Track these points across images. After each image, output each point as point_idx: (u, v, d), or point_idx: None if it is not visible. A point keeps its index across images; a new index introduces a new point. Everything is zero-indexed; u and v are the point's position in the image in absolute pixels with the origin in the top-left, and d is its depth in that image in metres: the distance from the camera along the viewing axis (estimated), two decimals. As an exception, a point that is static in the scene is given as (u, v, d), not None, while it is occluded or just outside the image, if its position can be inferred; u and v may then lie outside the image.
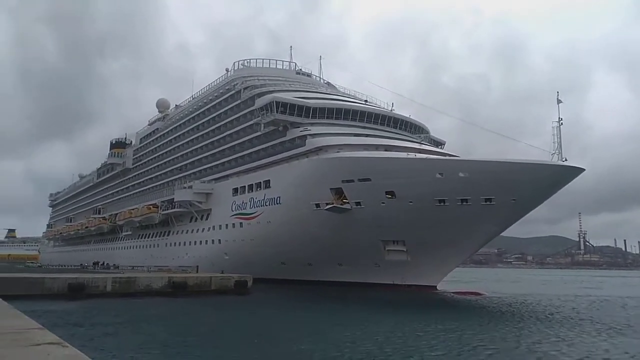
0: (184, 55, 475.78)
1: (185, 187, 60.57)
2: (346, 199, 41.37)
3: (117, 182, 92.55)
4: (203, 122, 66.00)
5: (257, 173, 51.26)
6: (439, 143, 54.19)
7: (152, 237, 72.50)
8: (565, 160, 36.36)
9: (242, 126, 56.39)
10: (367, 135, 46.39)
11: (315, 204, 42.73)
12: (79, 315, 23.65)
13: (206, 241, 57.08)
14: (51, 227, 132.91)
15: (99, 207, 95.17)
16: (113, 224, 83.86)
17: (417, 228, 38.86)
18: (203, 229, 58.59)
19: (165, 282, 35.46)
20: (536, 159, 37.46)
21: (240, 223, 51.36)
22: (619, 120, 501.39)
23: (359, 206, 40.87)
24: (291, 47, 68.24)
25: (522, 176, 35.71)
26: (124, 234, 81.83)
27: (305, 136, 46.16)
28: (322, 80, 65.14)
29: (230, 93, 60.74)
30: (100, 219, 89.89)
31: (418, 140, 48.73)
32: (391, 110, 54.10)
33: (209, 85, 70.86)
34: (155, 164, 78.34)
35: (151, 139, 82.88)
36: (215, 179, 59.12)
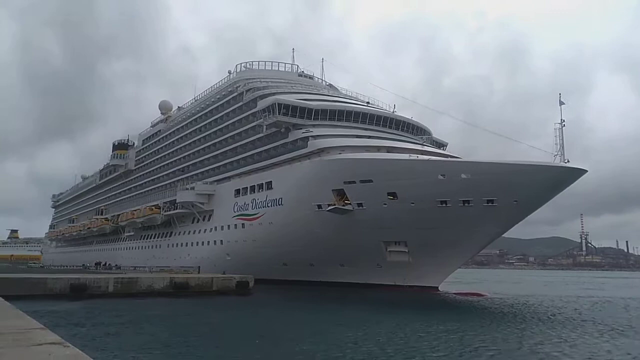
0: (186, 57, 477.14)
1: (187, 188, 60.63)
2: (348, 200, 41.38)
3: (119, 183, 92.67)
4: (205, 124, 66.07)
5: (259, 174, 51.29)
6: (441, 145, 54.16)
7: (154, 238, 72.57)
8: (568, 161, 36.32)
9: (245, 128, 56.44)
10: (369, 137, 46.39)
11: (317, 205, 42.74)
12: (81, 316, 23.69)
13: (208, 242, 57.12)
14: (54, 228, 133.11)
15: (102, 208, 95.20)
16: (115, 225, 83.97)
17: (419, 229, 38.83)
18: (205, 230, 58.64)
19: (167, 282, 35.51)
20: (538, 161, 37.40)
21: (242, 224, 51.39)
22: (621, 122, 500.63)
23: (360, 207, 40.86)
24: (293, 49, 68.25)
25: (524, 178, 35.66)
26: (126, 234, 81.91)
27: (307, 138, 46.18)
28: (324, 82, 65.17)
29: (233, 95, 60.83)
30: (103, 219, 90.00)
31: (420, 142, 48.66)
32: (393, 112, 54.06)
33: (211, 87, 71.06)
34: (158, 165, 78.42)
35: (153, 141, 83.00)
36: (218, 180, 59.18)
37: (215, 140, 62.36)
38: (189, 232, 62.60)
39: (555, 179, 36.89)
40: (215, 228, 56.36)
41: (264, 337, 19.34)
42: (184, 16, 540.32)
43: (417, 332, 20.39)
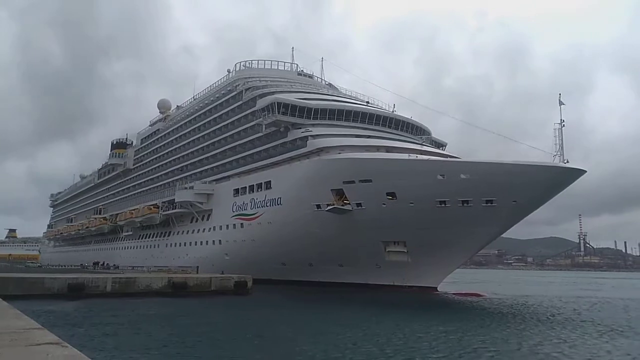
0: (186, 56, 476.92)
1: (186, 188, 60.54)
2: (347, 200, 41.34)
3: (118, 182, 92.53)
4: (204, 123, 65.99)
5: (258, 174, 51.23)
6: (440, 144, 54.14)
7: (152, 237, 72.47)
8: (567, 162, 36.32)
9: (244, 127, 56.38)
10: (368, 137, 46.36)
11: (316, 205, 42.69)
12: (79, 316, 23.64)
13: (207, 242, 57.04)
14: (52, 227, 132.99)
15: (100, 207, 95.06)
16: (114, 224, 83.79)
17: (418, 229, 38.80)
18: (204, 230, 58.56)
19: (165, 282, 35.42)
20: (538, 161, 37.40)
21: (241, 224, 51.33)
22: (621, 123, 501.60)
23: (360, 207, 40.83)
24: (293, 48, 68.35)
25: (523, 178, 35.65)
26: (124, 234, 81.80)
27: (306, 137, 46.12)
28: (323, 82, 65.13)
29: (232, 94, 60.75)
30: (101, 219, 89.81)
31: (419, 142, 48.61)
32: (393, 111, 54.04)
33: (210, 86, 70.97)
34: (156, 165, 78.32)
35: (152, 140, 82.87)
36: (216, 180, 59.10)
37: (214, 140, 62.28)
38: (188, 231, 62.52)
39: (554, 179, 36.90)
40: (214, 228, 56.29)
41: (262, 337, 19.30)
42: (184, 16, 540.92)
43: (416, 333, 20.36)
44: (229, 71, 66.60)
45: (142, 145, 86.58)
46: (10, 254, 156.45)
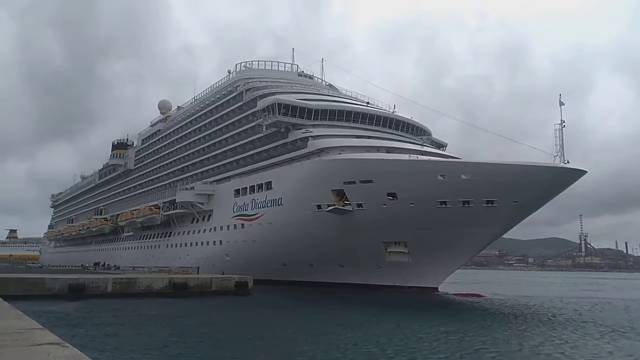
0: (186, 57, 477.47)
1: (187, 188, 60.54)
2: (348, 201, 41.34)
3: (118, 183, 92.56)
4: (205, 124, 66.01)
5: (258, 174, 51.23)
6: (440, 145, 54.13)
7: (153, 238, 72.48)
8: (568, 162, 36.29)
9: (244, 128, 56.39)
10: (368, 137, 46.36)
11: (317, 206, 42.69)
12: (80, 316, 23.64)
13: (207, 242, 57.04)
14: (52, 228, 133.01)
15: (101, 207, 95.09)
16: (114, 225, 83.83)
17: (418, 230, 38.79)
18: (204, 230, 58.57)
19: (166, 282, 35.42)
20: (538, 161, 37.37)
21: (242, 224, 51.32)
22: (621, 123, 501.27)
23: (360, 208, 40.82)
24: (293, 49, 68.29)
25: (524, 178, 35.62)
26: (125, 234, 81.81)
27: (307, 138, 46.13)
28: (324, 82, 65.14)
29: (232, 95, 60.78)
30: (102, 219, 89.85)
31: (420, 142, 48.66)
32: (393, 112, 54.02)
33: (211, 86, 71.01)
34: (157, 165, 78.34)
35: (153, 140, 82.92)
36: (217, 180, 59.11)
37: (215, 140, 62.30)
38: (188, 232, 62.52)
39: (555, 179, 36.87)
40: (215, 228, 56.29)
41: (263, 338, 19.29)
42: (184, 16, 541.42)
43: (417, 333, 20.34)
44: (229, 72, 66.69)
45: (143, 145, 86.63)
46: (11, 255, 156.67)
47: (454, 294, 42.80)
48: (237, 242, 51.16)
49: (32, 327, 6.97)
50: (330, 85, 64.58)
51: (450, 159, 42.64)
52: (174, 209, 63.56)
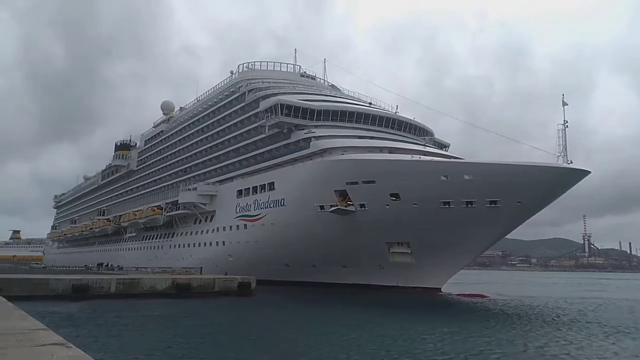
0: (188, 57, 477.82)
1: (189, 189, 60.63)
2: (350, 201, 41.29)
3: (121, 183, 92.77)
4: (207, 125, 66.08)
5: (261, 175, 51.24)
6: (443, 145, 54.08)
7: (156, 238, 72.57)
8: (571, 162, 36.18)
9: (247, 128, 56.40)
10: (371, 138, 46.29)
11: (320, 206, 42.66)
12: (83, 316, 23.67)
13: (210, 243, 57.08)
14: (56, 229, 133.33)
15: (104, 208, 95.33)
16: (117, 226, 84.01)
17: (421, 230, 38.72)
18: (207, 231, 58.61)
19: (169, 283, 35.44)
20: (541, 162, 37.26)
21: (245, 225, 51.32)
22: (623, 123, 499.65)
23: (363, 208, 40.78)
24: (295, 49, 68.17)
25: (527, 179, 35.52)
26: (128, 235, 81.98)
27: (309, 138, 46.12)
28: (326, 83, 65.14)
29: (235, 95, 60.84)
30: (105, 220, 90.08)
31: (422, 143, 48.57)
32: (395, 112, 53.97)
33: (213, 87, 71.08)
34: (160, 166, 78.46)
35: (156, 141, 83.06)
36: (220, 181, 59.15)
37: (218, 141, 62.35)
38: (191, 232, 62.57)
39: (558, 180, 36.76)
40: (218, 229, 56.32)
41: (266, 339, 19.27)
42: (185, 16, 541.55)
43: (421, 334, 20.27)
44: (231, 72, 66.70)
45: (146, 146, 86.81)
46: (14, 255, 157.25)
47: (457, 295, 42.71)
48: (240, 243, 51.17)
49: (36, 328, 6.96)
50: (333, 86, 64.59)
51: (453, 160, 42.55)
52: (176, 210, 63.62)
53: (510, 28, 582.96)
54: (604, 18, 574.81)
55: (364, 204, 40.71)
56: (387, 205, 39.65)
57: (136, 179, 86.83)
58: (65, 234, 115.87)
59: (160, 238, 71.20)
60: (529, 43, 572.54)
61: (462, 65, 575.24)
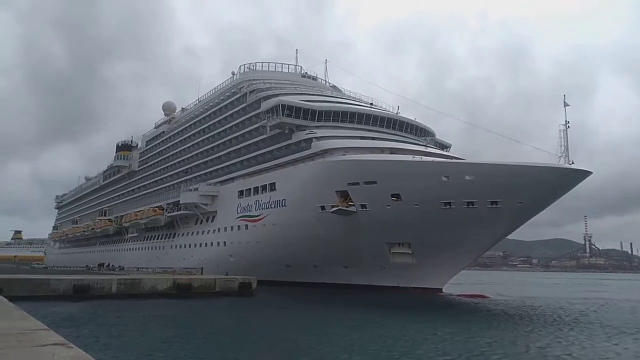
0: (189, 58, 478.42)
1: (190, 190, 60.65)
2: (352, 202, 41.26)
3: (123, 184, 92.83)
4: (209, 125, 66.12)
5: (262, 175, 51.25)
6: (444, 146, 54.02)
7: (157, 239, 72.62)
8: (572, 163, 36.13)
9: (248, 129, 56.43)
10: (372, 138, 46.26)
11: (321, 207, 42.64)
12: (84, 317, 23.66)
13: (211, 243, 57.08)
14: (57, 229, 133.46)
15: (105, 209, 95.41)
16: (119, 226, 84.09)
17: (422, 231, 38.69)
18: (208, 231, 58.63)
19: (170, 283, 35.45)
20: (543, 162, 37.21)
21: (246, 225, 51.32)
22: (625, 124, 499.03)
23: (364, 209, 40.75)
24: (297, 50, 68.25)
25: (528, 179, 35.49)
26: (129, 235, 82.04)
27: (310, 139, 46.12)
28: (327, 84, 65.15)
29: (236, 96, 60.87)
30: (106, 220, 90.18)
31: (424, 143, 48.55)
32: (397, 113, 53.94)
33: (215, 88, 71.11)
34: (161, 167, 78.52)
35: (157, 142, 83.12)
36: (221, 182, 59.17)
37: (219, 142, 62.38)
38: (192, 233, 62.59)
39: (560, 180, 36.73)
40: (219, 229, 56.34)
41: (267, 339, 19.24)
42: (186, 17, 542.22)
43: (422, 335, 20.23)
44: (233, 73, 66.73)
45: (147, 147, 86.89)
46: (15, 255, 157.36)
47: (458, 295, 42.66)
48: (241, 243, 51.18)
49: (37, 328, 6.95)
50: (334, 87, 64.60)
51: (454, 160, 42.52)
52: (178, 210, 63.65)
53: (511, 29, 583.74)
54: (606, 19, 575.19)
55: (365, 205, 40.69)
56: (388, 205, 39.63)
57: (137, 179, 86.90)
58: (66, 234, 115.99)
59: (161, 238, 71.25)
60: (530, 44, 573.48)
61: (463, 66, 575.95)
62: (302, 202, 44.27)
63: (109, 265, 67.90)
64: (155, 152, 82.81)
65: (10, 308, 10.78)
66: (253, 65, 65.19)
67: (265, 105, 50.82)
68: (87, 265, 72.01)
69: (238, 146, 57.83)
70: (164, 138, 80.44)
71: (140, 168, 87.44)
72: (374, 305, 33.22)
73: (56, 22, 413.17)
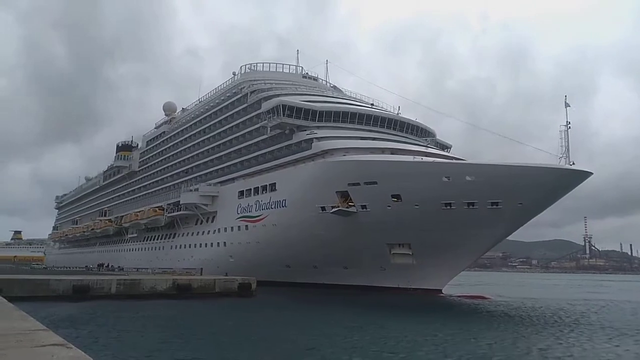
0: (191, 59, 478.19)
1: (191, 190, 60.65)
2: (352, 202, 41.24)
3: (123, 184, 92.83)
4: (209, 125, 66.12)
5: (263, 176, 51.23)
6: (445, 146, 54.00)
7: (157, 239, 72.60)
8: (573, 164, 36.11)
9: (249, 129, 56.44)
10: (373, 139, 46.24)
11: (321, 207, 42.61)
12: (84, 317, 23.62)
13: (211, 244, 57.05)
14: (57, 229, 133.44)
15: (105, 209, 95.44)
16: (119, 226, 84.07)
17: (423, 231, 38.65)
18: (208, 232, 58.61)
19: (170, 284, 35.40)
20: (543, 163, 37.19)
21: (246, 226, 51.29)
22: (625, 125, 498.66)
23: (364, 209, 40.73)
24: (298, 51, 68.33)
25: (528, 180, 35.46)
26: (129, 236, 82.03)
27: (311, 139, 46.11)
28: (328, 84, 65.15)
29: (237, 96, 60.87)
30: (106, 221, 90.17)
31: (424, 144, 48.57)
32: (397, 113, 53.95)
33: (215, 88, 71.12)
34: (162, 167, 78.52)
35: (157, 142, 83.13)
36: (221, 182, 59.15)
37: (219, 142, 62.39)
38: (192, 233, 62.57)
39: (560, 181, 36.70)
40: (219, 230, 56.32)
41: (266, 340, 19.20)
42: (188, 18, 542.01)
43: (423, 336, 20.18)
44: (234, 74, 66.75)
45: (148, 147, 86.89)
46: (15, 256, 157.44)
47: (458, 296, 42.65)
48: (241, 244, 51.16)
49: (36, 328, 6.92)
50: (335, 87, 64.61)
51: (455, 161, 42.51)
52: (178, 211, 63.64)
53: (512, 30, 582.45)
54: (607, 19, 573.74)
55: (365, 205, 40.66)
56: (389, 206, 39.61)
57: (138, 179, 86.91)
58: (66, 235, 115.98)
59: (161, 239, 71.23)
60: (531, 44, 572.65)
61: (464, 67, 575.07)
62: (302, 203, 44.25)
63: (108, 265, 67.94)
64: (155, 152, 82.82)
65: (10, 308, 10.74)
66: (254, 66, 65.20)
67: (265, 106, 50.83)
68: (86, 266, 72.08)
69: (238, 146, 57.83)
70: (165, 138, 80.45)
71: (140, 168, 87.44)
72: (374, 306, 33.16)
73: (58, 23, 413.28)
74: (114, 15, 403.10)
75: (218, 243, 55.58)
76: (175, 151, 74.72)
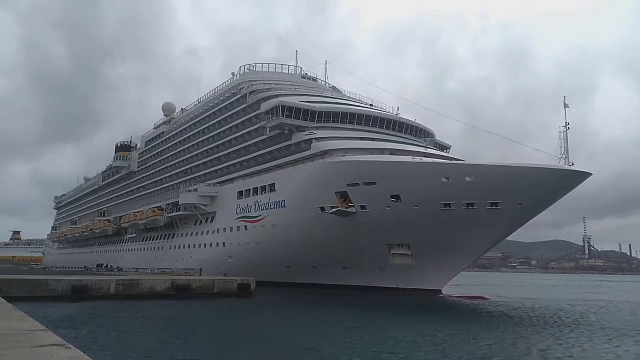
0: (190, 59, 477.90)
1: (190, 190, 60.61)
2: (351, 203, 41.23)
3: (122, 185, 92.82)
4: (209, 126, 66.13)
5: (262, 176, 51.23)
6: (444, 147, 54.04)
7: (156, 240, 72.56)
8: (572, 164, 36.13)
9: (248, 130, 56.44)
10: (372, 140, 46.25)
11: (321, 208, 42.61)
12: (83, 317, 23.59)
13: (211, 244, 57.03)
14: (56, 230, 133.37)
15: (104, 209, 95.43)
16: (118, 227, 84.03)
17: (422, 232, 38.66)
18: (208, 232, 58.59)
19: (169, 284, 35.38)
20: (543, 164, 37.21)
21: (245, 226, 51.27)
22: (625, 125, 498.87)
23: (364, 210, 40.73)
24: (297, 51, 68.27)
25: (528, 181, 35.48)
26: (128, 236, 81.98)
27: (310, 140, 46.13)
28: (327, 85, 65.16)
29: (236, 97, 60.88)
30: (105, 221, 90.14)
31: (424, 145, 48.60)
32: (397, 114, 53.97)
33: (215, 89, 71.12)
34: (161, 167, 78.50)
35: (157, 143, 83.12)
36: (221, 182, 59.15)
37: (219, 142, 62.40)
38: (192, 234, 62.55)
39: (560, 182, 36.71)
40: (218, 230, 56.30)
41: (265, 340, 19.18)
42: (188, 18, 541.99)
43: (422, 337, 20.16)
44: (233, 74, 66.74)
45: (147, 148, 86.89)
46: (14, 256, 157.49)
47: (458, 297, 42.65)
48: (241, 244, 51.14)
49: (35, 329, 6.91)
50: (334, 88, 64.62)
51: (454, 161, 42.53)
52: (177, 211, 63.62)
53: (512, 30, 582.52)
54: (607, 19, 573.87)
55: (364, 206, 40.67)
56: (388, 207, 39.61)
57: (137, 180, 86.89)
58: (65, 235, 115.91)
59: (160, 239, 71.19)
60: (531, 45, 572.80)
61: (464, 67, 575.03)
62: (301, 203, 44.24)
63: (107, 266, 67.87)
64: (154, 152, 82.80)
65: (9, 309, 10.72)
66: (253, 66, 65.20)
67: (265, 106, 50.84)
68: (85, 266, 72.05)
69: (238, 147, 57.83)
70: (164, 139, 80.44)
71: (139, 169, 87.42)
72: (374, 307, 33.15)
73: (57, 23, 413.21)
74: (114, 15, 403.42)
75: (217, 243, 55.55)
76: (175, 152, 74.71)
